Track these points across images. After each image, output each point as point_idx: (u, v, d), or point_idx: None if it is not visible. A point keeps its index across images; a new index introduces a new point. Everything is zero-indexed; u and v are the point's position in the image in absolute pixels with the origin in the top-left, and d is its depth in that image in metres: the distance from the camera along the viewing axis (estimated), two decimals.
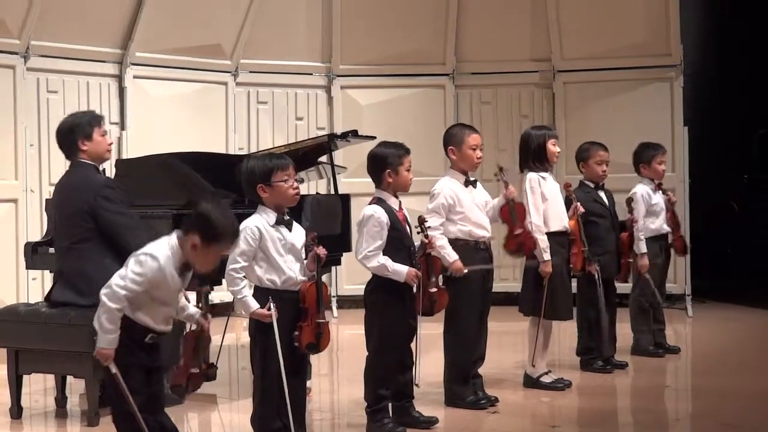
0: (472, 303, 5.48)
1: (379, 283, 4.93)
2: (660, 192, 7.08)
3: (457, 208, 5.48)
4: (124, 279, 3.89)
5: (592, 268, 6.33)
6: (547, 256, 5.84)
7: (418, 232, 5.04)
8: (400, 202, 5.03)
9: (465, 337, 5.50)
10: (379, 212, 4.88)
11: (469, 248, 5.48)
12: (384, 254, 4.87)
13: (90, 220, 5.29)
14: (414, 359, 5.04)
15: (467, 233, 5.48)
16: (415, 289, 4.95)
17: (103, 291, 3.91)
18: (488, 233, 5.58)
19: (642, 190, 7.02)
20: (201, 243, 3.87)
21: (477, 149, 5.56)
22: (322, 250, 4.45)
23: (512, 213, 5.61)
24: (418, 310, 4.97)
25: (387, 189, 4.98)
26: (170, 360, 5.25)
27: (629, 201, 6.84)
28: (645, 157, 7.08)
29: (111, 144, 5.58)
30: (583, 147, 6.73)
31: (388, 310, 4.91)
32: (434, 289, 5.05)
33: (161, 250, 3.91)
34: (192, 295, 4.43)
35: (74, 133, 5.40)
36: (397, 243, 4.91)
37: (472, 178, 5.60)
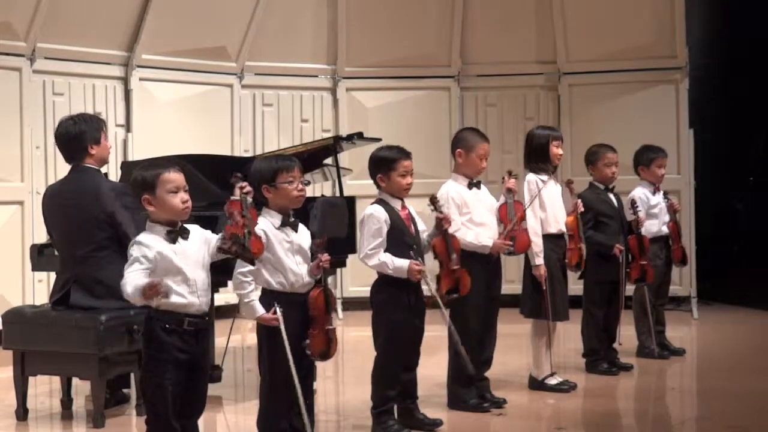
0: (475, 306, 5.45)
1: (383, 283, 4.93)
2: (660, 194, 7.07)
3: (463, 209, 5.47)
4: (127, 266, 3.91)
5: (617, 249, 6.42)
6: (539, 260, 5.83)
7: (432, 211, 4.99)
8: (402, 201, 5.00)
9: (466, 340, 5.48)
10: (378, 211, 4.88)
11: (475, 259, 5.41)
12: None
13: (108, 228, 5.26)
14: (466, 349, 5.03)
15: (473, 236, 5.43)
16: (426, 290, 4.92)
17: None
18: (494, 236, 5.55)
19: (639, 192, 7.02)
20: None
21: (484, 159, 5.56)
22: (325, 257, 4.43)
23: (510, 210, 5.59)
24: (440, 294, 4.96)
25: (385, 191, 4.97)
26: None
27: (633, 203, 6.83)
28: (644, 159, 7.09)
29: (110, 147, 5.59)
30: (592, 149, 6.73)
31: (394, 311, 4.90)
32: (456, 266, 5.02)
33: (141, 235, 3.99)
34: None
35: (83, 137, 5.36)
36: (399, 242, 4.88)
37: (475, 180, 5.59)
